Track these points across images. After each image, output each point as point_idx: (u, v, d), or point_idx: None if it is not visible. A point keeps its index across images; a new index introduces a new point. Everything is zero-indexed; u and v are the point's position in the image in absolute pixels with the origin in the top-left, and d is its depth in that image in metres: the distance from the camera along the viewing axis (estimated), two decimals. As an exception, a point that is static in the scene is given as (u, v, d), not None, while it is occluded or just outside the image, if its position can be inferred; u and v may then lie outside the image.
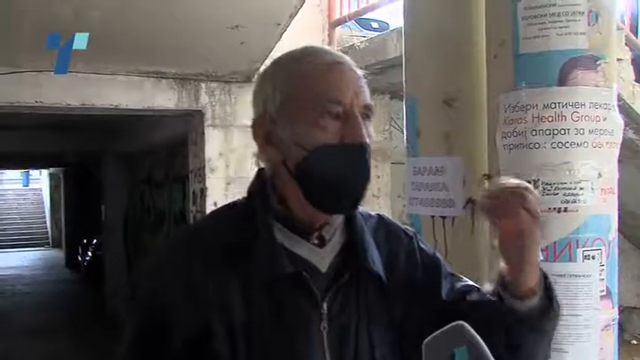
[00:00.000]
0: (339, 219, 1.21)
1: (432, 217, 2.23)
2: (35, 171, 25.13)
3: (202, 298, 1.09)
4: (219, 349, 1.08)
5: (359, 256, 1.19)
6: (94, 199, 13.76)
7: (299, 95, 1.15)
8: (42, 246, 22.43)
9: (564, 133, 1.79)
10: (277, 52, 4.76)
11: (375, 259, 1.20)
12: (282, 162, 1.16)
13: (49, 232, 23.28)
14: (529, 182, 1.81)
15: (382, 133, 5.24)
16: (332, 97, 1.13)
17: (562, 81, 1.80)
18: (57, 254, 19.76)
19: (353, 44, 4.98)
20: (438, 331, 1.01)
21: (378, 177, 5.23)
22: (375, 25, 5.39)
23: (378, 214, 1.32)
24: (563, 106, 1.79)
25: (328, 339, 1.13)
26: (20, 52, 4.23)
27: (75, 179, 17.08)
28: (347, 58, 1.20)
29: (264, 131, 1.18)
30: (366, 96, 1.17)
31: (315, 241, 1.18)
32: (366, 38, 4.96)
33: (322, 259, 1.18)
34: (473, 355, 0.97)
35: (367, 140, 1.14)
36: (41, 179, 25.38)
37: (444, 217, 2.20)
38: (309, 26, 5.09)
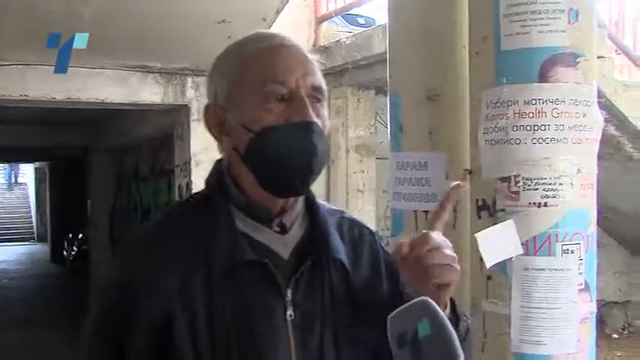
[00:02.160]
0: (298, 206, 1.21)
1: (415, 211, 2.26)
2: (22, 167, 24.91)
3: (164, 291, 1.09)
4: (181, 342, 1.07)
5: (321, 243, 1.18)
6: (80, 193, 13.69)
7: (245, 79, 1.14)
8: (27, 240, 22.29)
9: (545, 129, 1.82)
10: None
11: (338, 247, 1.20)
12: (234, 149, 1.16)
13: (35, 227, 23.14)
14: (510, 178, 1.85)
15: (368, 128, 5.27)
16: (276, 78, 1.12)
17: (542, 78, 1.82)
18: (42, 249, 19.64)
19: (339, 40, 5.01)
20: (403, 306, 1.05)
21: (363, 172, 5.26)
22: (361, 20, 5.41)
23: (342, 210, 1.32)
24: (543, 103, 1.82)
25: (293, 326, 1.12)
26: (6, 45, 4.21)
27: (61, 174, 16.98)
28: (293, 41, 1.19)
29: (216, 121, 1.18)
30: (316, 77, 1.16)
31: (277, 229, 1.17)
32: (352, 34, 4.98)
33: (284, 246, 1.17)
34: (434, 329, 1.02)
35: (315, 120, 1.12)
36: (26, 174, 25.18)
37: (426, 212, 2.23)
38: (296, 21, 5.10)
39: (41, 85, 4.54)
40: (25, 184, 25.51)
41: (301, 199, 1.22)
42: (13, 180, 25.94)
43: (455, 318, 1.16)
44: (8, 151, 13.73)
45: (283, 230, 1.18)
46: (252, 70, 1.14)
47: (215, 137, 1.20)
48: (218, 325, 1.08)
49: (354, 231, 1.28)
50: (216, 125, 1.19)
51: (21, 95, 4.53)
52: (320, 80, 1.17)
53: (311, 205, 1.23)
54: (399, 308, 1.06)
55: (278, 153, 1.11)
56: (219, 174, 1.21)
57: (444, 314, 1.03)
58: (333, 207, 1.31)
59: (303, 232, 1.20)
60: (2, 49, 4.26)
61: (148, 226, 1.25)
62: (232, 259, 1.10)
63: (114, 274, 1.18)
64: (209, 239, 1.12)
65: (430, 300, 1.04)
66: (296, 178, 1.14)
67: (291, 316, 1.12)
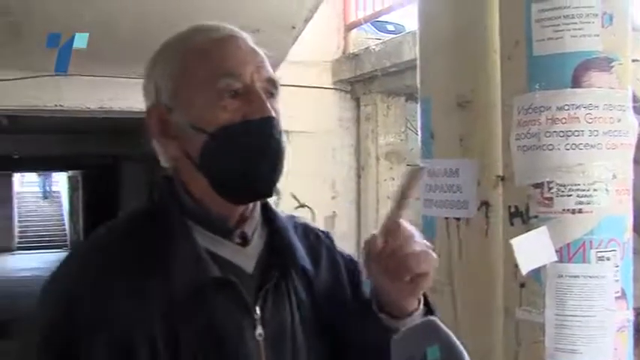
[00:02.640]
0: (257, 214, 1.11)
1: (446, 218, 2.24)
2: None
3: (118, 322, 0.95)
4: None
5: (286, 252, 1.10)
6: (112, 201, 13.86)
7: (192, 75, 1.04)
8: (60, 248, 22.60)
9: (578, 135, 1.80)
10: (292, 55, 4.80)
11: (303, 255, 1.13)
12: (184, 154, 1.05)
13: (68, 235, 23.47)
14: (543, 184, 1.83)
15: (398, 135, 5.25)
16: (229, 71, 1.02)
17: (576, 83, 1.80)
18: (75, 256, 19.87)
19: (368, 47, 5.00)
20: (408, 328, 0.98)
21: (394, 179, 5.25)
22: (390, 27, 5.39)
23: (293, 215, 1.25)
24: (577, 108, 1.80)
25: (264, 346, 1.02)
26: (41, 56, 4.28)
27: (93, 182, 17.21)
28: (241, 32, 1.10)
29: (159, 123, 1.07)
30: (269, 70, 1.07)
31: (238, 240, 1.07)
32: (381, 41, 4.97)
33: (247, 259, 1.07)
34: (444, 353, 0.94)
35: (274, 115, 1.03)
36: (59, 182, 25.56)
37: (458, 219, 2.21)
38: (325, 29, 5.11)
39: (75, 95, 4.62)
40: (59, 192, 25.89)
41: (258, 206, 1.12)
42: (47, 189, 26.26)
43: (429, 312, 1.09)
44: (42, 160, 13.98)
45: (244, 242, 1.08)
46: (201, 64, 1.04)
47: (156, 141, 1.08)
48: (183, 351, 0.97)
49: (310, 236, 1.21)
50: (159, 127, 1.07)
51: (56, 105, 4.61)
52: (273, 73, 1.08)
53: (267, 212, 1.15)
54: (404, 330, 1.00)
55: (238, 154, 1.01)
56: (167, 184, 1.09)
57: (454, 336, 0.96)
58: (282, 212, 1.20)
59: (264, 242, 1.11)
60: (37, 60, 4.34)
61: (88, 247, 1.08)
62: (196, 279, 0.99)
63: (53, 305, 1.00)
64: (166, 258, 1.00)
65: (438, 321, 0.98)
66: (261, 180, 1.04)
67: (260, 335, 1.03)
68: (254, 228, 1.10)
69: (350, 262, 1.23)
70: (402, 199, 1.03)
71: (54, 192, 26.22)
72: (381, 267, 1.01)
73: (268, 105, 1.03)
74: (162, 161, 1.11)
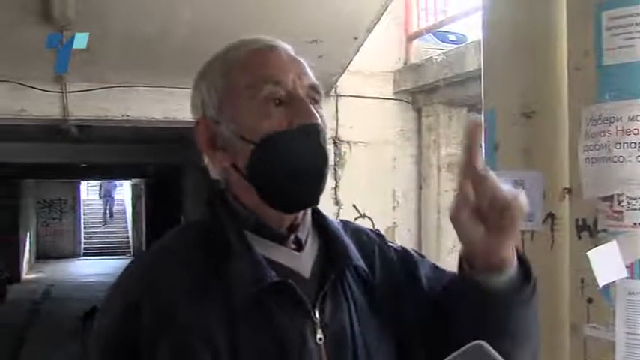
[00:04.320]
0: (308, 219, 1.11)
1: (511, 230, 2.20)
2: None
3: (179, 328, 0.96)
4: None
5: (341, 254, 1.09)
6: (174, 209, 14.10)
7: (235, 86, 1.05)
8: (124, 255, 23.13)
9: (650, 147, 1.74)
10: (353, 65, 4.78)
11: (358, 256, 1.11)
12: (232, 165, 1.06)
13: (131, 241, 24.01)
14: (612, 197, 1.77)
15: (459, 146, 5.19)
16: (270, 78, 1.03)
17: (648, 93, 1.75)
18: (138, 263, 20.28)
19: (430, 57, 4.97)
20: (456, 353, 0.92)
21: (455, 190, 5.18)
22: (452, 37, 5.34)
23: (342, 220, 1.23)
24: (649, 119, 1.74)
25: (325, 349, 1.02)
26: (109, 68, 4.41)
27: (156, 190, 17.55)
28: (282, 43, 1.11)
29: (207, 136, 1.08)
30: (311, 77, 1.07)
31: (293, 246, 1.07)
32: (443, 51, 4.93)
33: (303, 263, 1.07)
34: None
35: (319, 121, 1.03)
36: (123, 190, 26.11)
37: (522, 232, 2.16)
38: (387, 40, 5.10)
39: (141, 106, 4.73)
40: (122, 200, 26.47)
41: (309, 212, 1.12)
42: (108, 214, 26.39)
43: (525, 270, 1.03)
44: (107, 169, 14.35)
45: (299, 247, 1.09)
46: (243, 74, 1.06)
47: (205, 153, 1.10)
48: (245, 356, 0.97)
49: (362, 237, 1.19)
50: (207, 140, 1.08)
51: (122, 115, 4.73)
52: (315, 80, 1.08)
53: (318, 217, 1.15)
54: (452, 355, 0.93)
55: (285, 163, 1.01)
56: (219, 194, 1.12)
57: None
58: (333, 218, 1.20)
59: (318, 246, 1.12)
60: (106, 72, 4.47)
61: (150, 255, 1.10)
62: (255, 284, 0.99)
63: (115, 310, 1.02)
64: (225, 266, 1.01)
65: (486, 345, 0.91)
66: (308, 188, 1.04)
67: (320, 339, 1.02)
68: (306, 233, 1.11)
69: (404, 253, 1.21)
70: (473, 147, 0.97)
71: (118, 200, 26.69)
72: (478, 216, 0.97)
73: (313, 110, 1.03)
74: (213, 174, 1.12)
